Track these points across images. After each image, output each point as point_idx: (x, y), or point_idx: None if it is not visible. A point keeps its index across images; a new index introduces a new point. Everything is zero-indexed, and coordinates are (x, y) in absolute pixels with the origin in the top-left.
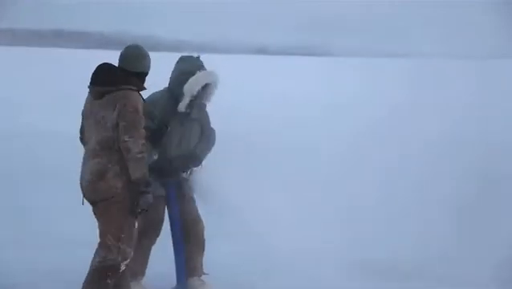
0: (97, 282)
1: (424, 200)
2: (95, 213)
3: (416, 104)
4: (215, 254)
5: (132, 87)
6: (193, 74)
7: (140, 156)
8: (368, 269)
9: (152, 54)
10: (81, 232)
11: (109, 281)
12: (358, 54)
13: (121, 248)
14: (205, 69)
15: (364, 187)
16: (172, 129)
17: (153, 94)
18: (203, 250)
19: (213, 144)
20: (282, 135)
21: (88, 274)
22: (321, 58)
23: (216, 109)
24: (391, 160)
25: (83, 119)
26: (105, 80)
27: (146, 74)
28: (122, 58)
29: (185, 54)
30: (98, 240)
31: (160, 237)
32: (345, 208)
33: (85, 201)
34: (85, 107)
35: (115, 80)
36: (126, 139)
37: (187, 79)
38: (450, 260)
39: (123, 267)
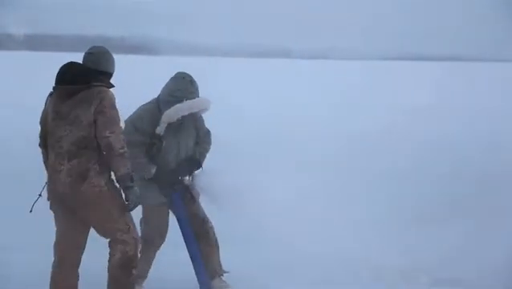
0: (125, 276)
1: (432, 200)
2: (70, 217)
3: (431, 107)
4: (230, 257)
5: (104, 85)
6: (180, 101)
7: (122, 151)
8: (372, 271)
9: (172, 58)
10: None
11: (134, 272)
12: (369, 58)
13: (134, 237)
14: (194, 96)
15: (372, 189)
16: (166, 141)
17: (140, 108)
18: (218, 248)
19: (209, 144)
20: (297, 137)
21: (112, 274)
22: (342, 61)
23: (235, 111)
24: (403, 161)
25: (43, 124)
26: (77, 78)
27: (111, 75)
28: (91, 58)
29: (210, 57)
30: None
31: (173, 243)
32: (355, 210)
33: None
34: (49, 110)
35: (87, 78)
36: (107, 134)
37: (172, 104)
38: (456, 263)
39: (139, 254)
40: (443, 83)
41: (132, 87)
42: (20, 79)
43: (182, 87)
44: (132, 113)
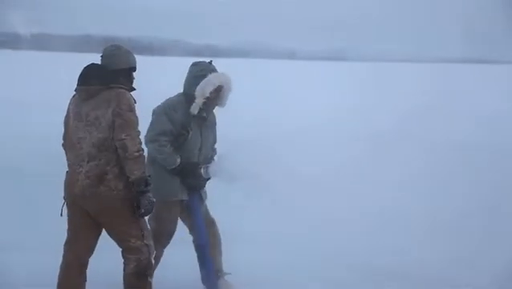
0: (142, 285)
1: (431, 203)
2: (88, 222)
3: (429, 109)
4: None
5: (123, 86)
6: (205, 76)
7: (137, 154)
8: (372, 271)
9: (180, 59)
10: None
11: (150, 279)
12: (374, 59)
13: (148, 244)
14: (217, 72)
15: (374, 190)
16: (193, 134)
17: (170, 99)
18: (221, 250)
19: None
20: (299, 138)
21: (127, 283)
22: (338, 62)
23: (237, 112)
24: (401, 164)
25: (66, 125)
26: (95, 79)
27: (130, 70)
28: (103, 59)
29: (220, 59)
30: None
31: (177, 243)
32: (356, 211)
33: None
34: (70, 111)
35: (105, 79)
36: (123, 137)
37: (199, 83)
38: (452, 263)
39: (153, 261)
40: (455, 85)
41: (140, 88)
42: (28, 78)
43: (204, 66)
44: (160, 104)
